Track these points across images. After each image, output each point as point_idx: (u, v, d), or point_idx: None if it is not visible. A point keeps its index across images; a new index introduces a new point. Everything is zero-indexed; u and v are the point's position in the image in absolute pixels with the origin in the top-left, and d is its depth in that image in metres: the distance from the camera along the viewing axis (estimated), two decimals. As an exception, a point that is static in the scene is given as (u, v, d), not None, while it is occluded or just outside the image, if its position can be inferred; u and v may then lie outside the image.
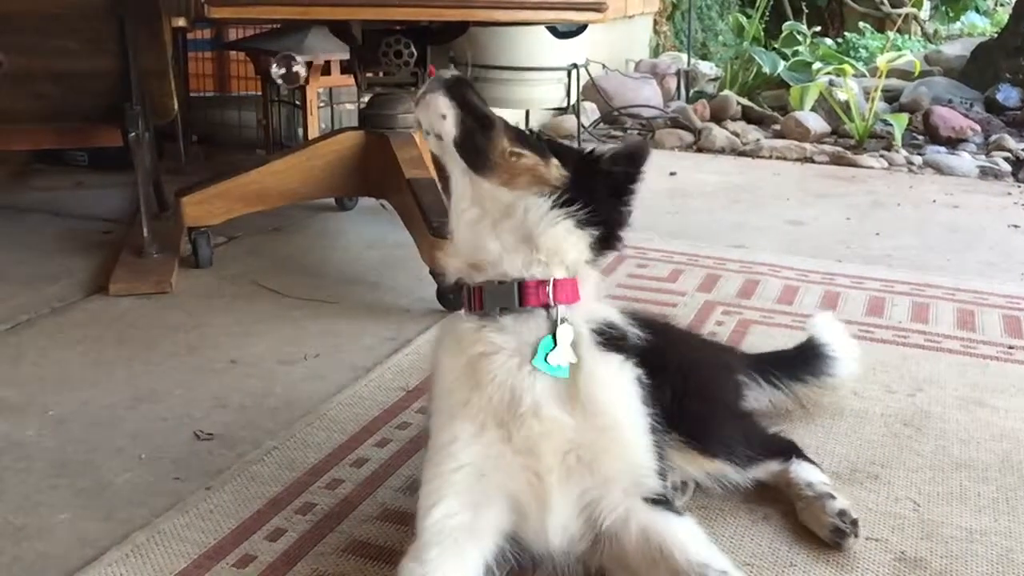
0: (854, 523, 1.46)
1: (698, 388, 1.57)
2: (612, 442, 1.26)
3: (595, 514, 1.27)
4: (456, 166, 1.33)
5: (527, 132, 1.39)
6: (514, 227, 1.29)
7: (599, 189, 1.33)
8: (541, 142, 1.35)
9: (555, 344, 1.27)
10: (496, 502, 1.26)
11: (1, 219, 3.16)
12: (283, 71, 2.48)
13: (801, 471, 1.57)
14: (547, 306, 1.29)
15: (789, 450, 1.62)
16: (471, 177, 1.32)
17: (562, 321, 1.28)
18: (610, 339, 1.33)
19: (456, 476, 1.25)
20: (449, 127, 1.31)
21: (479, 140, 1.31)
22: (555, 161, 1.32)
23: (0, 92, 2.61)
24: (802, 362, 1.89)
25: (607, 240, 1.34)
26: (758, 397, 1.81)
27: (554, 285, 1.29)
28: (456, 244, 1.35)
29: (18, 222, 3.15)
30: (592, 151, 1.38)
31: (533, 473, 1.25)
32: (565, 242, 1.30)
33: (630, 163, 1.35)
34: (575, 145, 3.95)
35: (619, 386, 1.30)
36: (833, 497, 1.50)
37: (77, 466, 1.70)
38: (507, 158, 1.30)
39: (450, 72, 1.38)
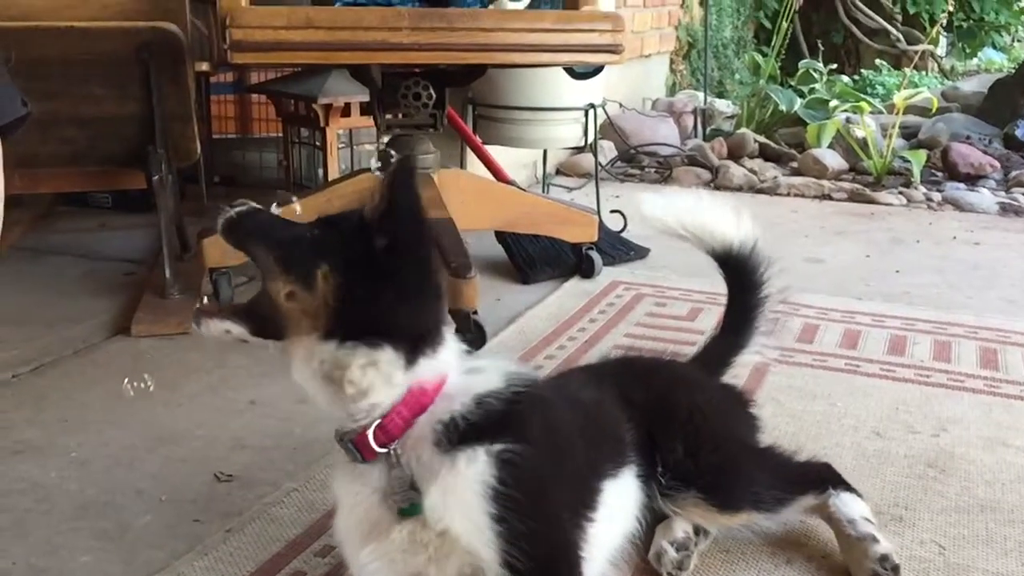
0: (895, 569, 1.43)
1: (712, 437, 1.51)
2: (453, 542, 1.19)
3: None
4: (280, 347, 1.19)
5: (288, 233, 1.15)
6: (318, 378, 1.15)
7: (383, 275, 1.11)
8: (305, 247, 1.12)
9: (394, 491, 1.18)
10: None
11: (26, 261, 3.20)
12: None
13: (842, 505, 1.51)
14: (385, 446, 1.17)
15: (825, 479, 1.55)
16: (282, 346, 1.17)
17: (396, 463, 1.17)
18: (456, 437, 1.16)
19: (364, 572, 1.23)
20: (237, 331, 1.17)
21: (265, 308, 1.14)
22: (321, 272, 1.11)
23: (27, 137, 2.64)
24: (746, 289, 1.91)
25: (420, 340, 1.15)
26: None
27: (378, 429, 1.15)
28: None
29: (42, 264, 3.19)
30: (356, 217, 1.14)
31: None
32: (364, 378, 1.13)
33: (401, 224, 1.10)
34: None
35: (460, 494, 1.15)
36: (876, 540, 1.45)
37: (99, 508, 1.71)
38: (286, 300, 1.12)
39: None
